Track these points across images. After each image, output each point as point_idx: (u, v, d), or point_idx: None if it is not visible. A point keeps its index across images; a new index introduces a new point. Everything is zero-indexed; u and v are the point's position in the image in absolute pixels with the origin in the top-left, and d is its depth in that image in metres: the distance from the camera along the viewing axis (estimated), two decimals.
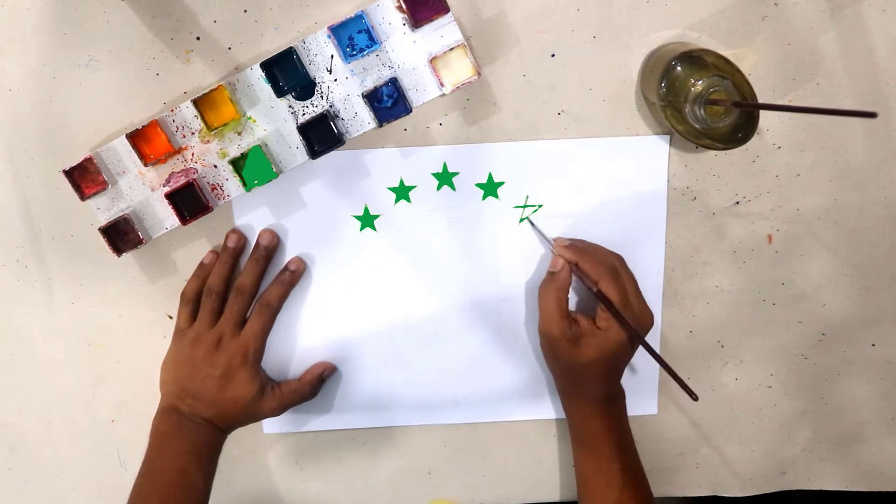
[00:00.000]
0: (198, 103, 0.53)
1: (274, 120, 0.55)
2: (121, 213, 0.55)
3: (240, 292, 0.58)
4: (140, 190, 0.56)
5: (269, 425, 0.65)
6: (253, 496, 0.67)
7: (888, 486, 0.69)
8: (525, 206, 0.60)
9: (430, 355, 0.63)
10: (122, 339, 0.62)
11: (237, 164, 0.55)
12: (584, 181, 0.59)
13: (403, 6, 0.52)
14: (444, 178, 0.59)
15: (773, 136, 0.59)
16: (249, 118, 0.55)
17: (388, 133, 0.58)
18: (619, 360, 0.57)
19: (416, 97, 0.54)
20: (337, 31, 0.52)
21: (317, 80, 0.54)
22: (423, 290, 0.62)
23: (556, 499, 0.68)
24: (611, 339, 0.55)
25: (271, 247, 0.59)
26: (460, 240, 0.61)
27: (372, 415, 0.65)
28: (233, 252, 0.59)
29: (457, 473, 0.67)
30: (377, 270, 0.61)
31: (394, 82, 0.53)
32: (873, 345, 0.65)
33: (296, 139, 0.55)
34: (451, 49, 0.53)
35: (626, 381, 0.60)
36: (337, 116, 0.55)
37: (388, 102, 0.54)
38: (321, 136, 0.54)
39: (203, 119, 0.53)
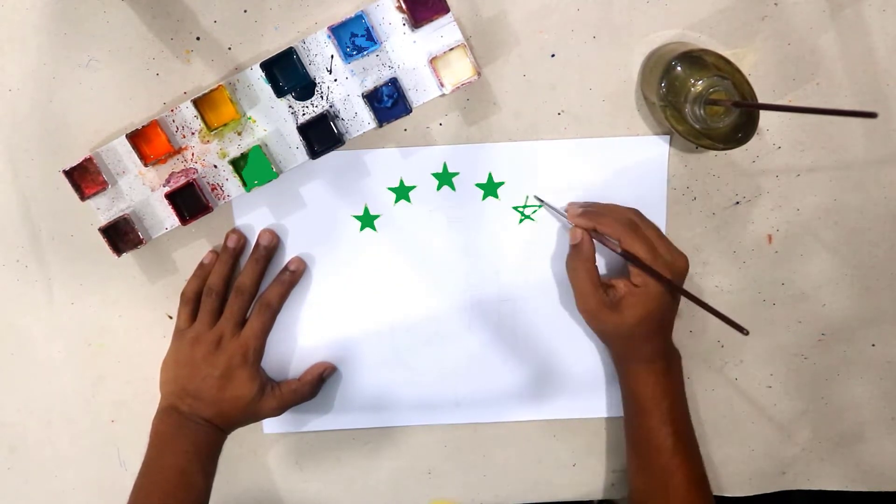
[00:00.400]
0: (198, 103, 0.53)
1: (274, 120, 0.55)
2: (121, 213, 0.55)
3: (240, 292, 0.58)
4: (140, 190, 0.56)
5: (269, 425, 0.65)
6: (253, 496, 0.67)
7: (888, 486, 0.68)
8: (525, 207, 0.60)
9: (430, 355, 0.63)
10: (122, 339, 0.62)
11: (237, 164, 0.55)
12: (584, 181, 0.59)
13: (403, 6, 0.52)
14: (444, 178, 0.59)
15: (773, 136, 0.59)
16: (249, 118, 0.55)
17: (388, 133, 0.58)
18: (664, 313, 0.56)
19: (416, 97, 0.54)
20: (337, 31, 0.52)
21: (317, 80, 0.54)
22: (423, 290, 0.62)
23: (557, 499, 0.68)
24: (650, 293, 0.54)
25: (271, 247, 0.59)
26: (460, 240, 0.61)
27: (372, 415, 0.65)
28: (233, 252, 0.59)
29: (457, 473, 0.67)
30: (377, 270, 0.61)
31: (394, 82, 0.53)
32: (873, 345, 0.65)
33: (296, 139, 0.55)
34: (451, 49, 0.53)
35: None
36: (337, 116, 0.55)
37: (388, 102, 0.54)
38: (321, 136, 0.54)
39: (203, 119, 0.53)
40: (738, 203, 0.60)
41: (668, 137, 0.59)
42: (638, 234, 0.54)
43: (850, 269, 0.62)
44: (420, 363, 0.64)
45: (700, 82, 0.51)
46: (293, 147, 0.55)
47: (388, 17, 0.53)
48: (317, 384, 0.61)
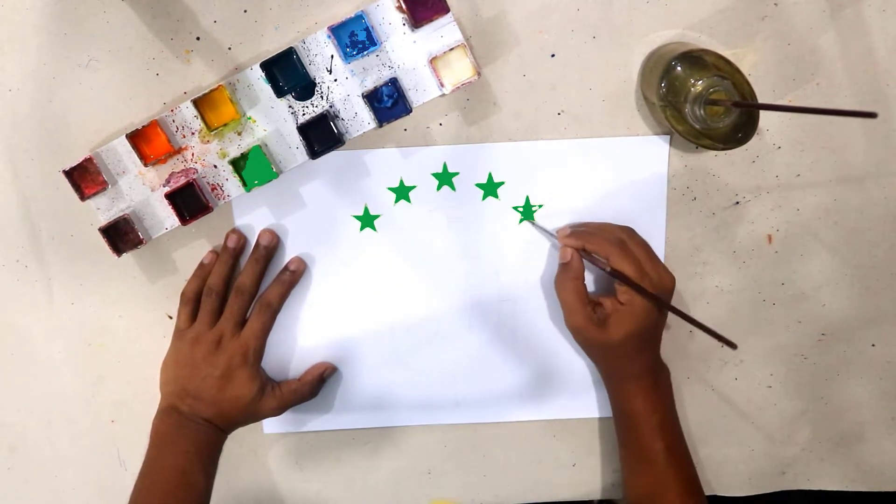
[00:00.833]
0: (198, 103, 0.53)
1: (274, 120, 0.55)
2: (121, 213, 0.55)
3: (240, 292, 0.58)
4: (140, 190, 0.56)
5: (269, 425, 0.65)
6: (253, 496, 0.67)
7: (888, 486, 0.68)
8: (525, 207, 0.60)
9: (430, 355, 0.63)
10: (122, 339, 0.62)
11: (237, 164, 0.55)
12: (584, 181, 0.59)
13: (403, 6, 0.52)
14: (444, 178, 0.59)
15: (773, 136, 0.59)
16: (249, 118, 0.55)
17: (388, 133, 0.58)
18: (650, 330, 0.56)
19: (416, 97, 0.54)
20: (337, 31, 0.52)
21: (317, 80, 0.54)
22: (423, 290, 0.62)
23: (557, 499, 0.68)
24: (636, 311, 0.54)
25: (271, 247, 0.59)
26: (460, 240, 0.61)
27: (372, 415, 0.65)
28: (233, 252, 0.59)
29: (457, 473, 0.67)
30: (377, 270, 0.61)
31: (394, 82, 0.53)
32: (873, 345, 0.65)
33: (296, 139, 0.55)
34: (451, 49, 0.53)
35: None
36: (337, 116, 0.55)
37: (388, 102, 0.54)
38: (321, 136, 0.54)
39: (203, 119, 0.53)
40: (738, 203, 0.60)
41: (668, 137, 0.59)
42: (626, 253, 0.55)
43: (850, 269, 0.62)
44: (420, 363, 0.64)
45: (700, 82, 0.51)
46: (293, 147, 0.55)
47: (388, 17, 0.53)
48: (317, 384, 0.61)
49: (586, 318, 0.55)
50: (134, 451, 0.65)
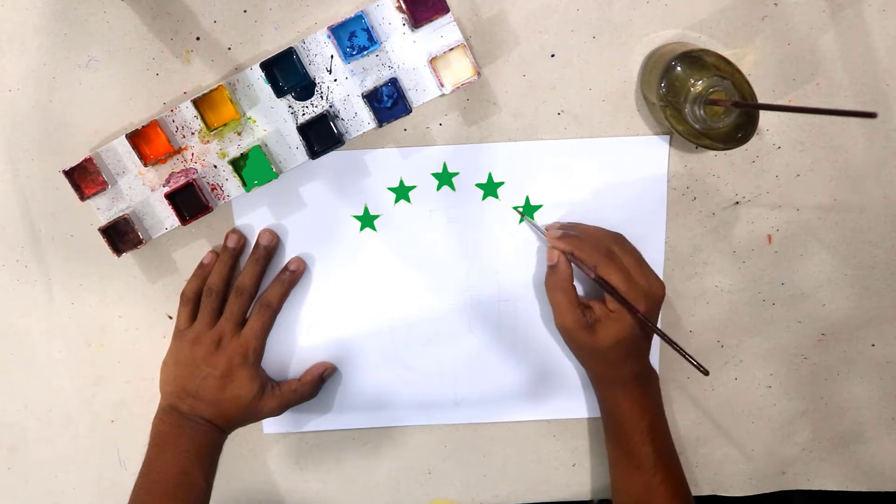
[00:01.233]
0: (198, 103, 0.53)
1: (274, 120, 0.55)
2: (121, 214, 0.55)
3: (240, 292, 0.58)
4: (140, 190, 0.56)
5: (269, 425, 0.65)
6: (253, 496, 0.67)
7: (888, 486, 0.69)
8: (525, 207, 0.60)
9: (430, 355, 0.63)
10: (121, 339, 0.62)
11: (237, 164, 0.55)
12: (584, 181, 0.59)
13: (403, 6, 0.52)
14: (444, 178, 0.59)
15: (773, 136, 0.59)
16: (249, 118, 0.55)
17: (388, 133, 0.58)
18: (638, 338, 0.56)
19: (416, 97, 0.54)
20: (337, 31, 0.52)
21: (317, 81, 0.54)
22: (423, 290, 0.62)
23: (556, 499, 0.68)
24: (624, 318, 0.54)
25: (271, 247, 0.59)
26: (460, 240, 0.61)
27: (372, 415, 0.65)
28: (233, 252, 0.59)
29: (457, 473, 0.67)
30: (377, 270, 0.61)
31: (394, 82, 0.53)
32: (873, 345, 0.65)
33: (296, 139, 0.55)
34: (451, 49, 0.53)
35: None
36: (337, 116, 0.55)
37: (388, 102, 0.54)
38: (321, 136, 0.54)
39: (203, 119, 0.53)
40: (738, 203, 0.60)
41: (668, 137, 0.59)
42: (614, 262, 0.55)
43: (850, 269, 0.62)
44: (420, 363, 0.64)
45: (700, 82, 0.51)
46: (293, 147, 0.55)
47: (388, 17, 0.53)
48: (317, 384, 0.61)
49: (576, 321, 0.55)
50: (134, 451, 0.65)
